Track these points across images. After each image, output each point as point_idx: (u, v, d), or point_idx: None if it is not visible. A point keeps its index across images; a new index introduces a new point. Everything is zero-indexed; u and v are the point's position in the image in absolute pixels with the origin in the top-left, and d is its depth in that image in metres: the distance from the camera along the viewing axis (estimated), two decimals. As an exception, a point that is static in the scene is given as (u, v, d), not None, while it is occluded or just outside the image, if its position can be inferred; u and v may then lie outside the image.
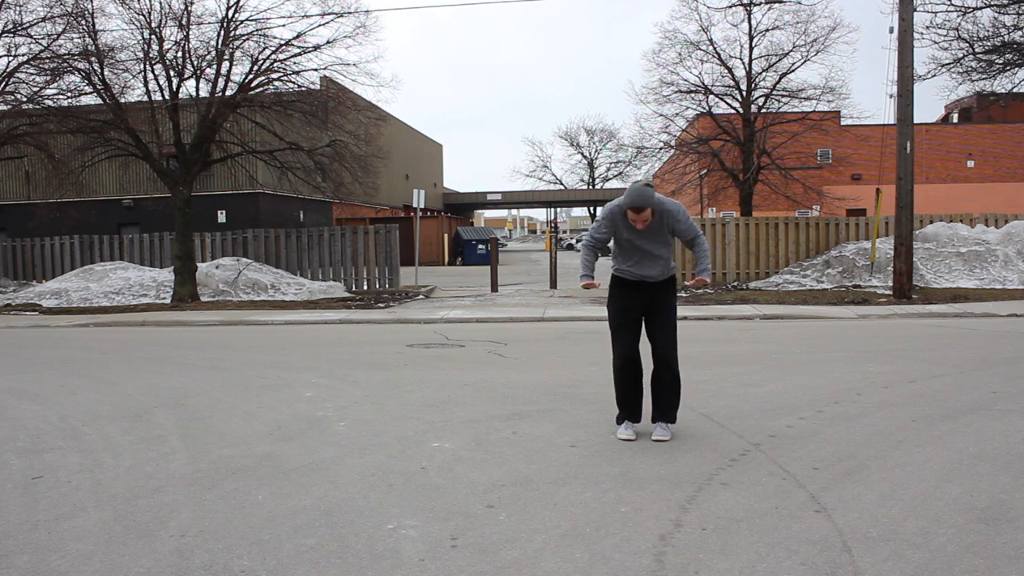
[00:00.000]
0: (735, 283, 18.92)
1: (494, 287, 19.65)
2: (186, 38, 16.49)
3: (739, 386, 6.96)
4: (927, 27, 18.45)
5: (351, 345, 10.51)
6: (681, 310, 10.52)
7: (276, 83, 17.32)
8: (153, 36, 16.35)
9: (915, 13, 14.83)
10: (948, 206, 33.03)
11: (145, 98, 17.00)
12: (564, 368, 8.23)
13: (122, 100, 17.06)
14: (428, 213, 45.36)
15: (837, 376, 7.36)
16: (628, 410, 5.36)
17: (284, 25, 22.91)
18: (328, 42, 16.90)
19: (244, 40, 16.73)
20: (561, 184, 73.35)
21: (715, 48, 23.90)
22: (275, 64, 16.97)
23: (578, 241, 63.78)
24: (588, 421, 5.77)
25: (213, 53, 16.63)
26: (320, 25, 20.88)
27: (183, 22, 16.32)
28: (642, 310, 5.28)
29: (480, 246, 39.87)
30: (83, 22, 16.75)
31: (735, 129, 24.17)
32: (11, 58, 18.15)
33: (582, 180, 73.30)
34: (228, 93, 16.83)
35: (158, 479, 4.61)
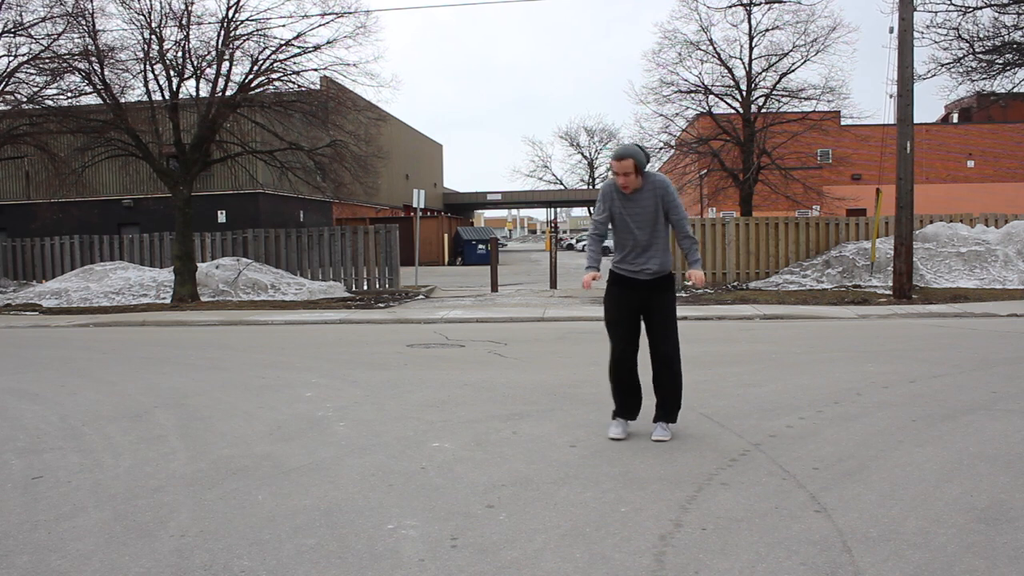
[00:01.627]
0: (735, 283, 18.91)
1: (494, 287, 19.65)
2: (186, 38, 16.51)
3: (739, 386, 6.96)
4: (927, 27, 18.49)
5: (351, 345, 10.51)
6: (681, 310, 10.50)
7: (276, 83, 17.33)
8: (153, 36, 16.36)
9: (915, 13, 14.83)
10: (948, 206, 33.04)
11: (145, 98, 17.00)
12: (564, 368, 8.23)
13: (122, 100, 17.06)
14: (428, 213, 45.36)
15: (837, 376, 7.36)
16: (622, 407, 5.37)
17: (284, 25, 22.90)
18: (328, 42, 16.92)
19: (244, 40, 16.75)
20: (561, 184, 73.47)
21: (715, 48, 23.94)
22: (275, 64, 16.98)
23: (578, 241, 63.84)
24: (588, 421, 5.77)
25: (213, 53, 16.64)
26: (320, 25, 20.88)
27: (183, 22, 16.34)
28: (639, 308, 5.27)
29: (480, 246, 39.86)
30: (83, 22, 16.77)
31: (735, 129, 24.18)
32: (11, 58, 18.19)
33: (582, 180, 73.44)
34: (228, 93, 16.83)
35: (158, 479, 4.61)
